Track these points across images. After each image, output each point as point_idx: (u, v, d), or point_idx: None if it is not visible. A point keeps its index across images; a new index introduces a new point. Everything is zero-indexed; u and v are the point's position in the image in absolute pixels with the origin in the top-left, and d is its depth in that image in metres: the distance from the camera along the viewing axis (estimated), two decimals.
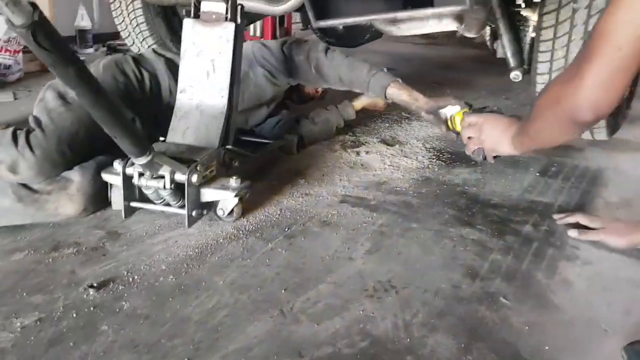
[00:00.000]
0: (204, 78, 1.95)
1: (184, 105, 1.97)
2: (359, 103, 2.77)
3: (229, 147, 1.93)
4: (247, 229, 1.81)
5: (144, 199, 1.81)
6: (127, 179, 1.74)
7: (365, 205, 2.02)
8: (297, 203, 2.01)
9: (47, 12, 4.48)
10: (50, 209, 1.77)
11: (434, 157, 2.53)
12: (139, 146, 1.56)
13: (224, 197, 1.77)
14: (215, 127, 1.92)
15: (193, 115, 1.95)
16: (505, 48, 2.35)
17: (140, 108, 2.07)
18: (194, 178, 1.70)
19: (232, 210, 1.81)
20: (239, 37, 1.95)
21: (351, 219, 1.90)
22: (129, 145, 1.53)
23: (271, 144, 2.41)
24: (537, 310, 1.43)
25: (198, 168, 1.73)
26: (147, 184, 1.71)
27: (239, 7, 1.95)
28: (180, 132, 1.94)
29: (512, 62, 2.40)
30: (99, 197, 1.83)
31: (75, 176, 1.80)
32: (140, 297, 1.43)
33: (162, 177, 1.70)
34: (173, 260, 1.61)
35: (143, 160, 1.59)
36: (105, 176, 1.79)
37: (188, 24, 1.96)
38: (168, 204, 1.80)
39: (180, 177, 1.70)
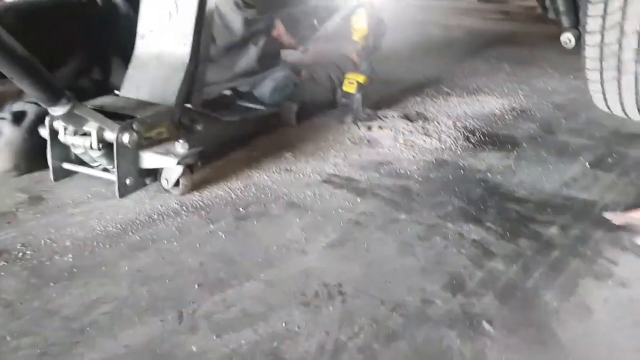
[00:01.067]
0: (165, 21, 1.63)
1: (142, 54, 1.66)
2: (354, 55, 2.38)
3: (188, 105, 1.60)
4: (193, 205, 1.49)
5: (82, 161, 1.53)
6: (54, 134, 1.46)
7: (352, 187, 1.64)
8: (270, 180, 1.67)
9: None
10: None
11: (461, 137, 2.10)
12: (50, 93, 1.26)
13: (166, 164, 1.46)
14: (175, 80, 1.60)
15: (151, 66, 1.64)
16: (556, 5, 1.88)
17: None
18: (126, 138, 1.40)
19: (177, 182, 1.49)
20: None
21: (326, 203, 1.54)
22: (37, 90, 1.24)
23: (260, 110, 2.06)
24: (529, 348, 1.02)
25: (134, 126, 1.42)
26: (72, 142, 1.42)
27: None
28: (134, 86, 1.64)
29: (564, 21, 1.92)
30: (36, 153, 1.56)
31: (6, 127, 1.54)
32: (17, 277, 1.15)
33: (89, 134, 1.40)
34: (84, 235, 1.31)
35: (59, 110, 1.31)
36: (42, 130, 1.52)
37: None
38: (107, 169, 1.50)
39: (110, 135, 1.40)
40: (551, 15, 2.02)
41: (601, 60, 1.79)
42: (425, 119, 2.30)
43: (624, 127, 2.22)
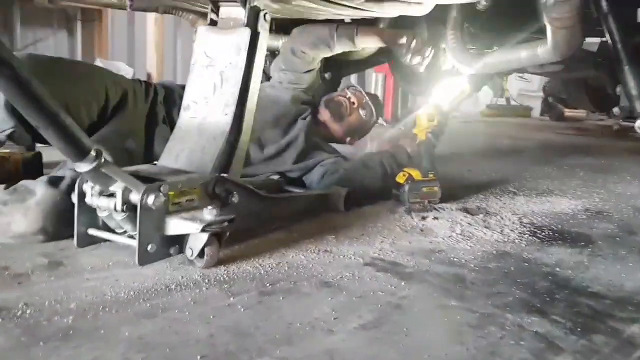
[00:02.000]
0: (210, 93, 1.60)
1: (184, 125, 1.62)
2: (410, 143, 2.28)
3: (224, 175, 1.52)
4: (217, 278, 1.35)
5: (109, 227, 1.45)
6: (82, 196, 1.40)
7: (397, 272, 1.47)
8: (307, 259, 1.52)
9: None
10: (1, 224, 1.47)
11: (527, 232, 1.89)
12: (76, 146, 1.21)
13: (190, 229, 1.35)
14: (213, 149, 1.54)
15: (191, 136, 1.59)
16: (627, 87, 1.73)
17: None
18: (151, 199, 1.31)
19: (202, 252, 1.37)
20: (257, 47, 1.60)
21: (365, 285, 1.36)
22: (61, 142, 1.20)
23: (306, 192, 1.95)
24: None
25: (162, 189, 1.34)
26: (97, 204, 1.35)
27: (262, 13, 1.61)
28: (174, 155, 1.59)
29: (637, 107, 1.76)
30: (66, 219, 1.48)
31: (39, 188, 1.50)
32: (8, 335, 1.04)
33: (114, 195, 1.33)
34: (92, 300, 1.20)
35: (85, 166, 1.25)
36: (73, 195, 1.46)
37: (201, 32, 1.66)
38: (132, 237, 1.41)
39: (135, 197, 1.32)
40: (623, 102, 1.86)
41: None
42: (487, 213, 2.12)
43: None
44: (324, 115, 2.42)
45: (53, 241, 1.52)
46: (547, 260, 1.62)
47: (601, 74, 2.13)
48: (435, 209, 2.13)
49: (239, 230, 1.60)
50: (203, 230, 1.33)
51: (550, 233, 1.89)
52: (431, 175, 2.21)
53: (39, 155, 2.09)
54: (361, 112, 2.47)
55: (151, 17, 4.71)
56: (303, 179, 2.22)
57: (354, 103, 2.46)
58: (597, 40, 1.88)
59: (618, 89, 1.89)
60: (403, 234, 1.81)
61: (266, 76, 2.57)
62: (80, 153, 1.23)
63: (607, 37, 1.80)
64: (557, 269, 1.55)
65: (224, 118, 1.56)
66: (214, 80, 1.59)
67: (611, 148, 4.53)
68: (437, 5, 2.16)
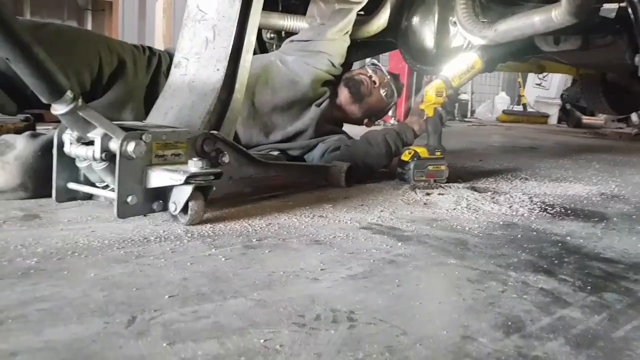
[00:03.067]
0: (202, 48, 1.53)
1: (174, 82, 1.55)
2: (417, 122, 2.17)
3: (214, 132, 1.44)
4: (201, 233, 1.26)
5: (91, 181, 1.38)
6: (60, 146, 1.33)
7: (394, 234, 1.37)
8: (299, 221, 1.43)
9: None
10: None
11: (537, 209, 1.78)
12: (51, 85, 1.14)
13: (172, 181, 1.27)
14: (203, 106, 1.46)
15: (181, 93, 1.52)
16: None
17: None
18: (131, 147, 1.23)
19: (186, 206, 1.28)
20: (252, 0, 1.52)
21: (358, 244, 1.27)
22: (34, 78, 1.13)
23: (305, 163, 1.86)
24: None
25: (143, 137, 1.26)
26: (75, 152, 1.28)
27: None
28: (162, 112, 1.52)
29: None
30: (49, 176, 1.41)
31: (19, 142, 1.43)
32: None
33: (93, 143, 1.25)
34: (61, 246, 1.12)
35: (62, 108, 1.18)
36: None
37: None
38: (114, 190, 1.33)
39: (115, 145, 1.24)
40: None
41: None
42: (496, 192, 2.01)
43: None
44: (343, 95, 2.30)
45: (35, 198, 1.45)
46: (558, 230, 1.51)
47: (619, 47, 2.01)
48: (442, 186, 2.03)
49: (230, 194, 1.53)
50: (187, 182, 1.25)
51: (562, 210, 1.79)
52: (438, 153, 2.12)
53: (32, 123, 2.03)
54: (382, 91, 2.36)
55: (160, 7, 4.70)
56: (305, 157, 2.13)
57: (375, 82, 2.35)
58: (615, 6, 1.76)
59: (637, 59, 1.78)
60: (405, 206, 1.72)
61: None
62: (56, 92, 1.15)
63: (625, 1, 1.69)
64: (568, 238, 1.44)
65: (215, 74, 1.48)
66: (206, 35, 1.52)
67: (629, 148, 4.40)
68: None
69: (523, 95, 8.36)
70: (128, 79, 1.86)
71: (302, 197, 1.74)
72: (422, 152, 2.09)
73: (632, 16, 1.66)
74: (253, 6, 1.54)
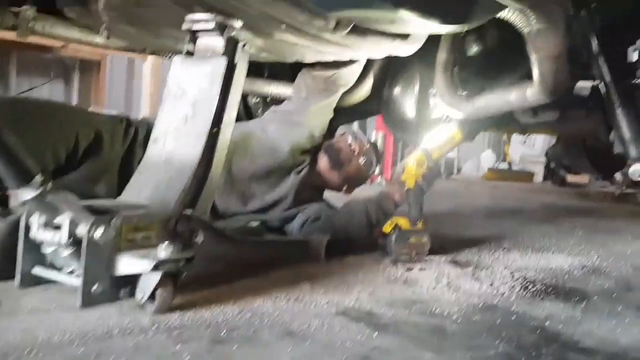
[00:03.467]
0: (181, 124, 1.52)
1: (151, 158, 1.53)
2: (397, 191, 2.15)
3: (188, 212, 1.41)
4: (168, 324, 1.21)
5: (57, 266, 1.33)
6: (27, 230, 1.29)
7: (371, 322, 1.33)
8: (273, 307, 1.39)
9: None
10: None
11: (518, 286, 1.75)
12: (18, 169, 1.12)
13: (140, 269, 1.23)
14: (179, 183, 1.44)
15: (158, 170, 1.50)
16: (620, 131, 1.64)
17: None
18: (99, 232, 1.20)
19: (153, 294, 1.24)
20: (233, 77, 1.53)
21: (333, 334, 1.22)
22: (3, 164, 1.10)
23: (283, 238, 1.83)
24: None
25: (112, 222, 1.23)
26: (41, 237, 1.24)
27: (241, 44, 1.54)
28: (137, 189, 1.49)
29: (631, 151, 1.66)
30: (13, 254, 1.35)
31: None
32: None
33: (60, 227, 1.22)
34: (18, 342, 1.07)
35: (29, 193, 1.14)
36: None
37: (176, 62, 1.60)
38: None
39: (82, 230, 1.21)
40: (617, 148, 1.76)
41: None
42: (478, 266, 1.98)
43: None
44: (322, 162, 2.29)
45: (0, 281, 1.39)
46: (537, 314, 1.48)
47: (594, 120, 2.03)
48: (423, 260, 2.00)
49: (204, 274, 1.48)
50: (155, 269, 1.21)
51: (543, 287, 1.75)
52: (420, 225, 2.09)
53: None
54: (361, 160, 2.35)
55: (148, 67, 4.73)
56: (284, 228, 2.10)
57: (354, 150, 2.34)
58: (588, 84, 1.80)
59: (611, 135, 1.79)
60: (385, 284, 1.68)
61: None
62: (24, 177, 1.13)
63: (598, 80, 1.72)
64: (547, 322, 1.41)
65: (193, 151, 1.46)
66: (185, 112, 1.51)
67: (612, 211, 4.41)
68: (427, 49, 2.11)
69: (508, 154, 8.44)
70: (104, 152, 1.84)
71: (280, 274, 1.70)
72: (404, 224, 2.07)
73: (604, 95, 1.68)
74: (234, 84, 1.55)
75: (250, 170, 2.07)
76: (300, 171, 2.15)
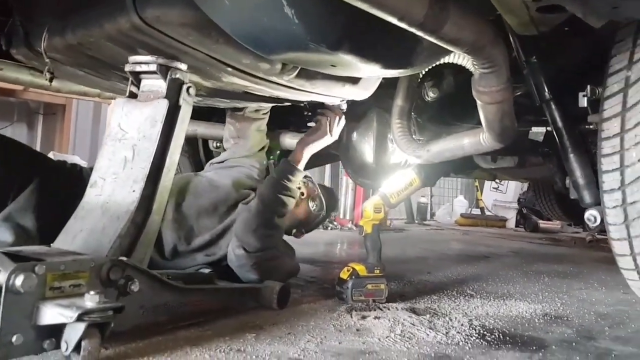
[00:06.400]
0: (120, 168, 1.47)
1: (88, 203, 1.47)
2: None
3: (122, 258, 1.34)
4: None
5: None
6: None
7: None
8: None
9: None
10: None
11: (475, 334, 1.70)
12: None
13: (63, 318, 1.15)
14: (114, 229, 1.38)
15: (94, 215, 1.44)
16: (574, 176, 1.62)
17: None
18: (19, 280, 1.13)
19: (78, 345, 1.16)
20: (176, 120, 1.49)
21: None
22: None
23: (232, 285, 1.77)
24: None
25: (36, 269, 1.16)
26: None
27: (185, 87, 1.52)
28: (71, 235, 1.42)
29: (585, 197, 1.64)
30: None
31: None
32: None
33: None
34: None
35: None
36: None
37: (118, 104, 1.56)
38: None
39: (2, 278, 1.13)
40: (572, 194, 1.75)
41: (627, 226, 1.46)
42: (436, 314, 1.93)
43: None
44: None
45: None
46: None
47: (550, 166, 2.03)
48: (380, 308, 1.95)
49: (142, 324, 1.41)
50: (79, 319, 1.14)
51: (501, 336, 1.70)
52: (377, 271, 2.04)
53: None
54: (310, 204, 2.32)
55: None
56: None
57: (303, 194, 2.31)
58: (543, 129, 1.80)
59: (567, 181, 1.78)
60: (335, 334, 1.61)
61: None
62: None
63: (551, 126, 1.72)
64: None
65: (130, 195, 1.41)
66: (125, 154, 1.47)
67: (581, 257, 4.40)
68: (384, 94, 2.11)
69: (481, 199, 8.50)
70: (43, 191, 1.77)
71: (225, 323, 1.63)
72: (361, 270, 2.02)
73: (557, 140, 1.68)
74: (177, 127, 1.51)
75: (197, 205, 2.03)
76: (248, 202, 2.11)
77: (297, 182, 2.13)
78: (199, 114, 2.49)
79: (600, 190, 1.54)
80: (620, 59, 1.45)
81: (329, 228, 5.59)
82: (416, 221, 7.49)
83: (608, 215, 1.48)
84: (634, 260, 1.48)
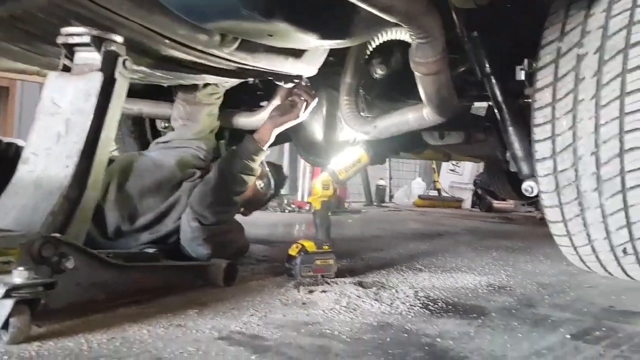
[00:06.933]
0: (53, 143, 1.43)
1: (20, 179, 1.43)
2: None
3: (55, 235, 1.31)
4: (22, 355, 1.11)
5: None
6: None
7: (253, 345, 1.26)
8: (149, 334, 1.30)
9: None
10: None
11: (419, 304, 1.73)
12: None
13: None
14: (46, 205, 1.34)
15: (26, 192, 1.39)
16: (512, 149, 1.65)
17: None
18: None
19: (6, 323, 1.13)
20: (112, 94, 1.45)
21: None
22: None
23: (175, 263, 1.75)
24: None
25: None
26: None
27: (122, 59, 1.48)
28: (2, 213, 1.38)
29: (523, 168, 1.68)
30: None
31: None
32: None
33: None
34: None
35: None
36: None
37: (51, 77, 1.51)
38: None
39: None
40: (512, 167, 1.78)
41: (558, 194, 1.50)
42: (383, 287, 1.95)
43: (620, 303, 1.85)
44: None
45: None
46: (430, 331, 1.45)
47: (491, 139, 2.07)
48: (328, 282, 1.96)
49: (78, 302, 1.38)
50: (6, 295, 1.10)
51: (444, 305, 1.74)
52: (326, 247, 2.05)
53: None
54: (258, 183, 2.31)
55: None
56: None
57: None
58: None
59: (508, 154, 1.82)
60: (280, 307, 1.62)
61: None
62: None
63: (492, 100, 1.75)
64: (438, 339, 1.38)
65: (64, 171, 1.37)
66: (58, 129, 1.42)
67: (530, 233, 4.52)
68: (333, 72, 2.10)
69: (437, 181, 8.63)
70: None
71: (170, 300, 1.61)
72: (310, 246, 2.02)
73: (497, 114, 1.71)
74: (113, 101, 1.47)
75: (140, 184, 2.00)
76: (194, 181, 2.09)
77: (259, 161, 2.12)
78: (144, 92, 2.44)
79: (533, 159, 1.57)
80: (553, 31, 1.48)
81: (286, 211, 5.59)
82: (374, 203, 7.55)
83: (540, 184, 1.51)
84: (565, 226, 1.53)
